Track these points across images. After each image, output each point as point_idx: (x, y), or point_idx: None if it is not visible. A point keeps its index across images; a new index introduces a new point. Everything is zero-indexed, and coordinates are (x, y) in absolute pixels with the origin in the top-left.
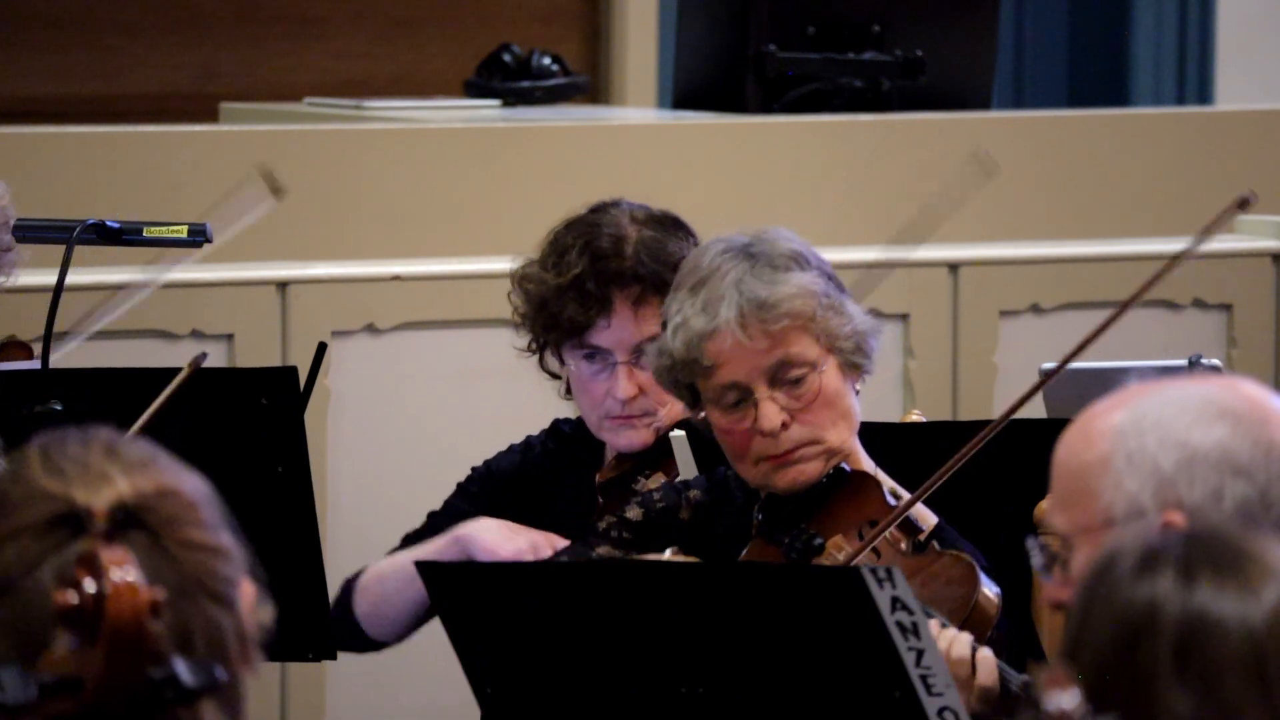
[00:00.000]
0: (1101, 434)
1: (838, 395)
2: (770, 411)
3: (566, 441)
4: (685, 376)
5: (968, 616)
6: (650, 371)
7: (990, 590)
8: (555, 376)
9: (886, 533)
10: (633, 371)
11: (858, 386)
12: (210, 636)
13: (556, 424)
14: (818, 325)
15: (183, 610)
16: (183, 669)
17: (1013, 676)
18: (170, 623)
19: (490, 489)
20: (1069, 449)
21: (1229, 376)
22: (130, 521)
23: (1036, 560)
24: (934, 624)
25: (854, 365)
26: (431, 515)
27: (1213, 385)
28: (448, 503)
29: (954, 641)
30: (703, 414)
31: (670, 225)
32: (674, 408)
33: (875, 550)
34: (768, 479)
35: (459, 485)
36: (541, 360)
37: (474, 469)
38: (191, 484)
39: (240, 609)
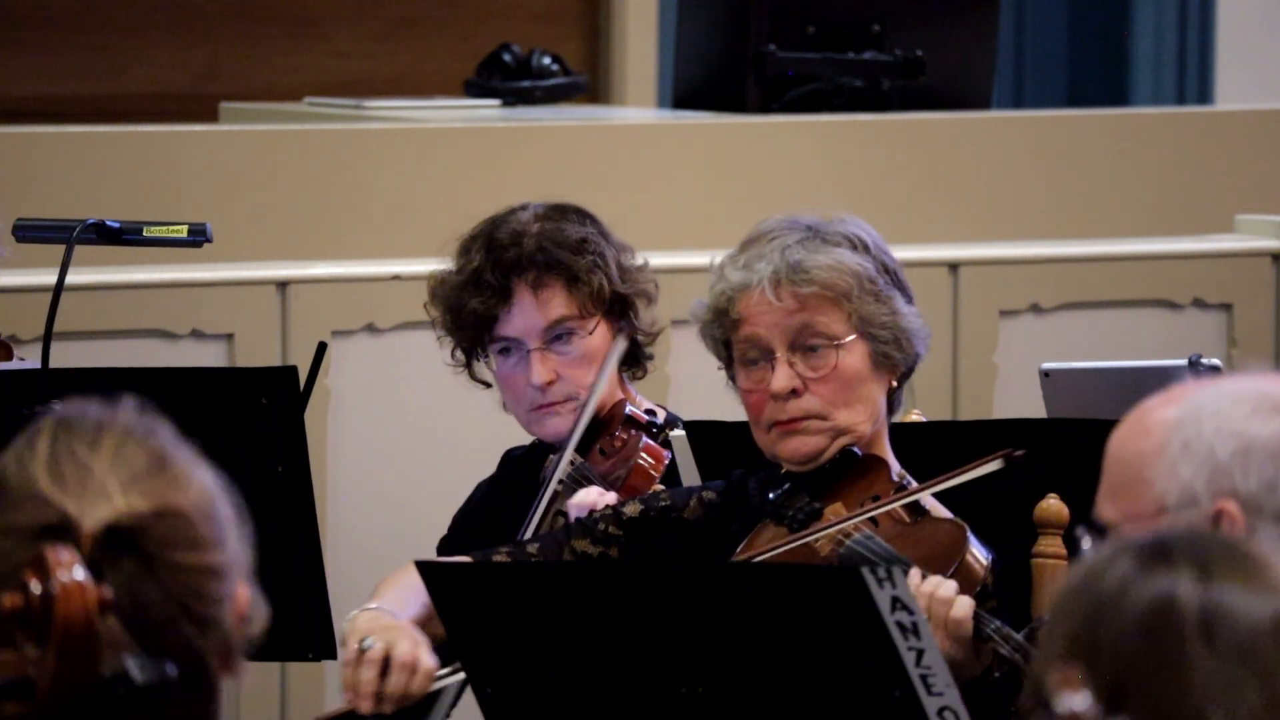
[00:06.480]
0: (1158, 424)
1: (857, 379)
2: (783, 374)
3: (513, 465)
4: (719, 331)
5: (952, 574)
6: (564, 357)
7: (979, 553)
8: (486, 385)
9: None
10: (545, 356)
11: (894, 383)
12: (186, 657)
13: (506, 454)
14: (852, 304)
15: (161, 633)
16: (133, 666)
17: (988, 620)
18: (147, 645)
19: (454, 536)
20: (1123, 440)
21: None
22: (119, 544)
23: (1088, 550)
24: (914, 572)
25: (886, 358)
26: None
27: (1268, 381)
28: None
29: (940, 584)
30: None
31: (570, 211)
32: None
33: (872, 518)
34: (775, 446)
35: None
36: (470, 370)
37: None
38: (196, 494)
39: (226, 623)
